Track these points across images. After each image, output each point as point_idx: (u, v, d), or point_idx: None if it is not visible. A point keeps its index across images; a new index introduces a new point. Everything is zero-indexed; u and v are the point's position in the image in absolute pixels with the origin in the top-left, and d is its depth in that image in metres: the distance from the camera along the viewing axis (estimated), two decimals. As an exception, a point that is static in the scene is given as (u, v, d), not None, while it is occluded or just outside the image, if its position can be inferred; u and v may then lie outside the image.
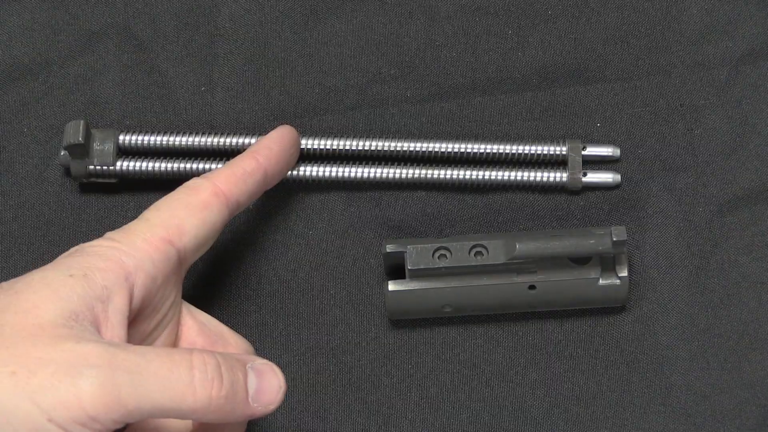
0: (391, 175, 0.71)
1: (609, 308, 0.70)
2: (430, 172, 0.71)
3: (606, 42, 0.73)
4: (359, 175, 0.71)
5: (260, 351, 0.71)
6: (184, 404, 0.56)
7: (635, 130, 0.72)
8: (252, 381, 0.59)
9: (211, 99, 0.73)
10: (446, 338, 0.70)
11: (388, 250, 0.67)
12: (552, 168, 0.71)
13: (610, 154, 0.71)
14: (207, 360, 0.57)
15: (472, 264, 0.67)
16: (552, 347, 0.70)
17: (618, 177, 0.71)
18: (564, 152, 0.71)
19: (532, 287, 0.67)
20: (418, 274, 0.68)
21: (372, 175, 0.71)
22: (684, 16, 0.73)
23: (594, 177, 0.71)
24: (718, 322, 0.70)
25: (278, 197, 0.72)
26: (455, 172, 0.71)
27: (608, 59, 0.72)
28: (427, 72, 0.73)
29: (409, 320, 0.70)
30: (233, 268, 0.72)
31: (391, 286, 0.68)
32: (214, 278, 0.72)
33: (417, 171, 0.71)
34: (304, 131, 0.72)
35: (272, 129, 0.72)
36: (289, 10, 0.73)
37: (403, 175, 0.71)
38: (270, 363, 0.60)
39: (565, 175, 0.70)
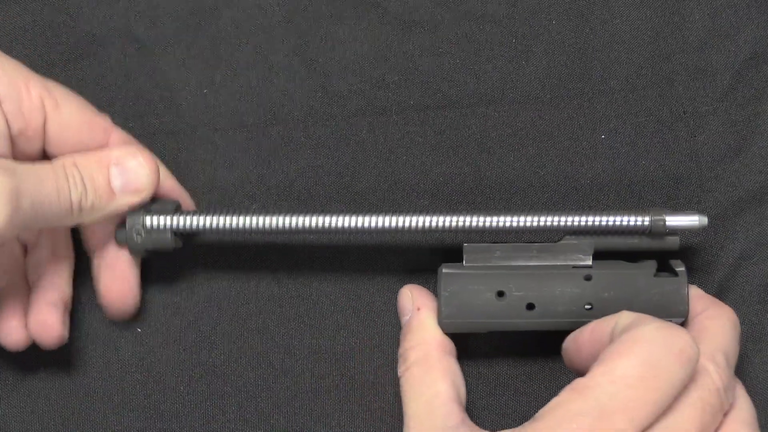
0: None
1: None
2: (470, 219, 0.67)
3: (610, 50, 0.72)
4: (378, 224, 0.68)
5: (262, 354, 0.71)
6: (65, 217, 0.64)
7: (639, 139, 0.72)
8: (116, 177, 0.66)
9: (214, 101, 0.73)
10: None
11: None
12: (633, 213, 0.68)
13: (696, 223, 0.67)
14: (75, 174, 0.64)
15: (526, 244, 0.67)
16: (555, 354, 0.70)
17: (705, 219, 0.67)
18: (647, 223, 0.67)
19: (587, 278, 0.66)
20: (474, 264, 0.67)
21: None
22: (687, 22, 0.72)
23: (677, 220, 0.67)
24: (723, 325, 0.70)
25: (280, 199, 0.72)
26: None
27: (612, 68, 0.72)
28: (431, 80, 0.72)
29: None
30: (232, 270, 0.72)
31: (446, 269, 0.67)
32: (212, 280, 0.72)
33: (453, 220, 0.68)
34: (308, 137, 0.72)
35: (274, 131, 0.72)
36: (290, 14, 0.73)
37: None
38: (134, 151, 0.66)
39: (647, 219, 0.67)
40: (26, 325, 0.68)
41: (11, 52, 0.72)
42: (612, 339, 0.62)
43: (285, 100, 0.73)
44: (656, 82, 0.72)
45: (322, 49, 0.73)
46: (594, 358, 0.62)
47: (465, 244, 0.68)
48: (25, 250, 0.70)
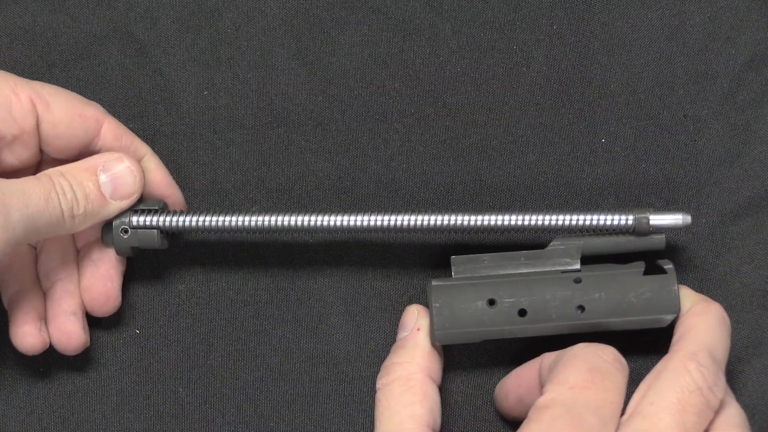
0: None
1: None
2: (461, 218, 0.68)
3: (610, 54, 0.72)
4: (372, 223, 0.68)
5: (259, 357, 0.71)
6: (58, 226, 0.64)
7: (639, 143, 0.72)
8: (106, 183, 0.66)
9: (214, 103, 0.73)
10: (448, 353, 0.70)
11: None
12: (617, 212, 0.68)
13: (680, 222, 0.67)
14: (63, 183, 0.64)
15: (514, 252, 0.67)
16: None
17: (688, 218, 0.67)
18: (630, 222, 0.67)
19: (577, 281, 0.66)
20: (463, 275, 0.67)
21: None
22: (687, 25, 0.72)
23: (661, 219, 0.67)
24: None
25: (279, 202, 0.72)
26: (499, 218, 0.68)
27: (612, 72, 0.72)
28: (431, 87, 0.72)
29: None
30: (230, 273, 0.72)
31: (435, 281, 0.67)
32: (210, 282, 0.72)
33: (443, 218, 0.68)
34: (308, 141, 0.72)
35: (275, 134, 0.72)
36: (291, 18, 0.73)
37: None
38: (120, 156, 0.67)
39: (631, 218, 0.67)
40: (48, 334, 0.69)
41: (11, 53, 0.73)
42: (541, 377, 0.64)
43: (285, 102, 0.73)
44: (656, 86, 0.72)
45: (323, 53, 0.73)
46: (520, 402, 0.66)
47: (452, 257, 0.68)
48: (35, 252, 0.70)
